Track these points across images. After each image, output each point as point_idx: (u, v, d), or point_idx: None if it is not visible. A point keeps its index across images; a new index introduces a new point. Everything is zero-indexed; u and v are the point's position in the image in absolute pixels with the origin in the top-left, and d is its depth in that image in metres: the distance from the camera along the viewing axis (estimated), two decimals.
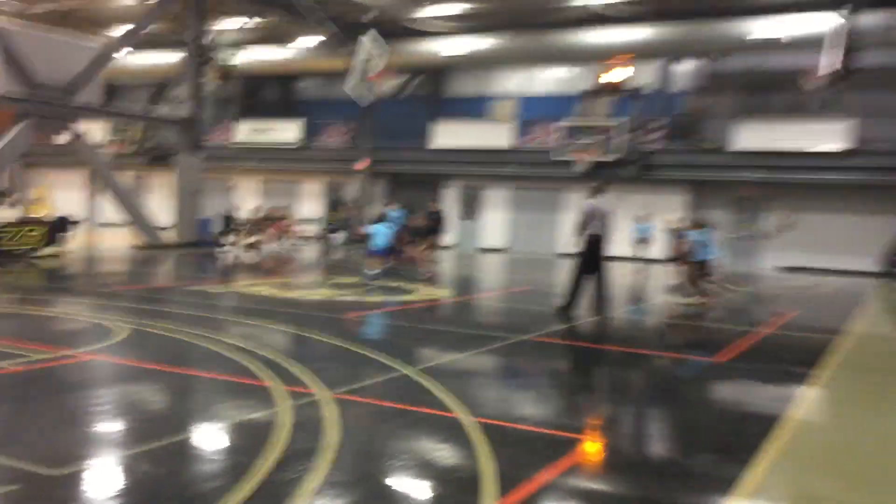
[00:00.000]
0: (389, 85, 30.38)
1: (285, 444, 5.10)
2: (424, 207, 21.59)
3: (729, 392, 7.77)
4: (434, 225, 22.00)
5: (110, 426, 5.59)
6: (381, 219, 18.65)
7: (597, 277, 12.05)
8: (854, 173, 22.92)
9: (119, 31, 27.09)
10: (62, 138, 21.82)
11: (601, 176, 24.68)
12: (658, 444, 5.92)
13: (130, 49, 26.62)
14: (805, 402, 7.18)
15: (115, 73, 32.23)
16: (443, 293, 14.80)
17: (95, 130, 29.42)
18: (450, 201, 28.91)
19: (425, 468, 4.87)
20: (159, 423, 5.78)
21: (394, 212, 21.32)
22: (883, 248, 23.28)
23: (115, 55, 23.26)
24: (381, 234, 16.84)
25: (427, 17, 26.68)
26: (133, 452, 4.98)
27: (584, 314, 11.92)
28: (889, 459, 5.57)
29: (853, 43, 16.58)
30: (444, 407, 6.26)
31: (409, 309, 12.35)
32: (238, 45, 29.57)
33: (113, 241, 26.00)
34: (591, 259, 11.95)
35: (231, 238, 22.90)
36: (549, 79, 30.32)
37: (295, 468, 4.67)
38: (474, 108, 31.35)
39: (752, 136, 24.30)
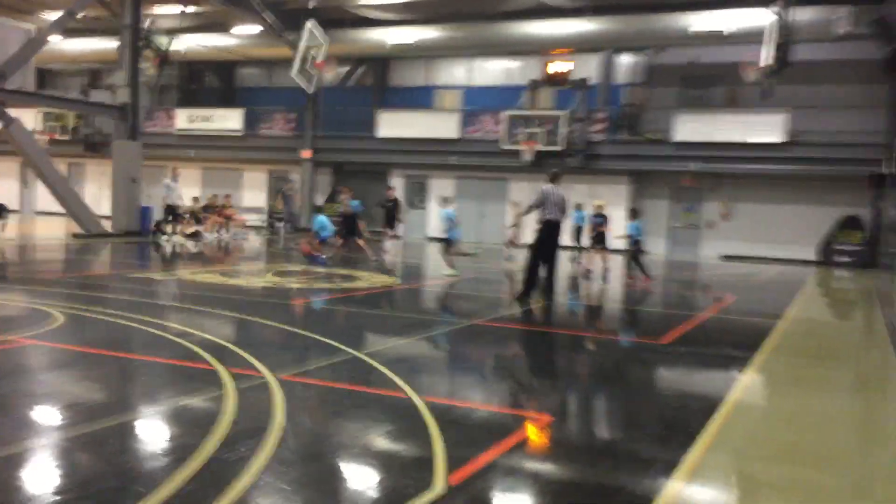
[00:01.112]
0: (334, 74, 30.14)
1: (231, 425, 5.02)
2: (381, 196, 21.63)
3: (670, 374, 7.91)
4: (391, 213, 22.07)
5: (51, 409, 5.41)
6: (320, 210, 19.01)
7: (549, 263, 12.13)
8: (791, 164, 23.55)
9: (52, 15, 26.22)
10: None
11: (546, 166, 24.94)
12: (601, 425, 6.00)
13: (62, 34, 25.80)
14: (741, 383, 7.35)
15: (48, 58, 31.35)
16: (390, 280, 14.75)
17: (28, 117, 28.47)
18: (396, 191, 28.81)
19: (374, 447, 4.84)
20: (102, 405, 5.62)
21: (352, 201, 21.36)
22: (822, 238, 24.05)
23: (48, 39, 22.54)
24: (325, 224, 17.30)
25: (372, 5, 26.47)
26: (75, 434, 4.84)
27: (532, 299, 12.03)
28: (819, 437, 5.73)
29: (788, 37, 17.05)
30: (392, 387, 6.24)
31: (357, 295, 12.28)
32: (176, 31, 28.95)
33: (49, 230, 25.27)
34: (548, 245, 12.01)
35: (172, 227, 22.45)
36: (494, 69, 30.44)
37: (241, 448, 4.60)
38: (420, 97, 31.33)
39: (693, 128, 24.78)
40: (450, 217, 16.63)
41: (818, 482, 4.74)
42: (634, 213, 16.29)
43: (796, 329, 10.93)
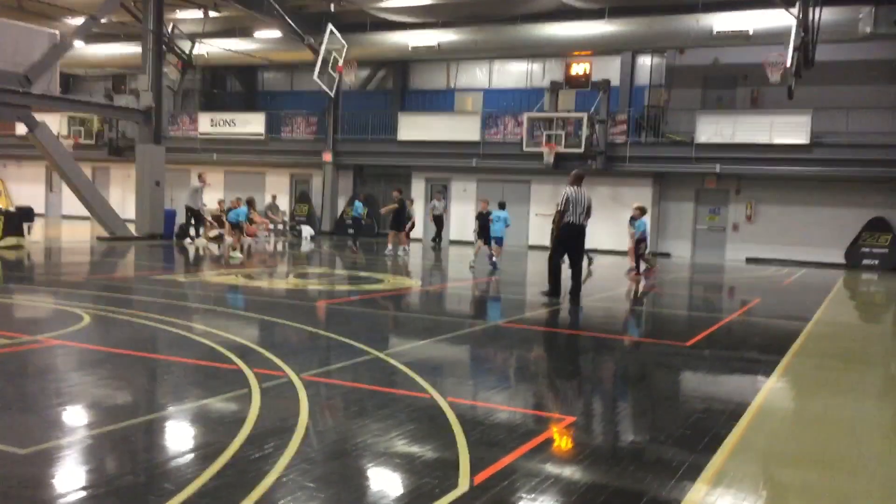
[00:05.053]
0: (355, 77, 30.24)
1: (256, 424, 5.05)
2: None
3: (695, 377, 7.84)
4: (397, 216, 21.97)
5: (78, 408, 5.47)
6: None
7: (574, 267, 12.13)
8: (816, 165, 23.29)
9: (77, 20, 26.54)
10: (20, 129, 21.30)
11: (567, 168, 24.84)
12: (625, 428, 5.94)
13: (87, 37, 26.07)
14: (767, 387, 7.26)
15: (73, 62, 31.72)
16: (412, 282, 14.76)
17: (53, 121, 28.81)
18: (418, 194, 28.88)
19: (397, 446, 4.83)
20: (128, 404, 5.68)
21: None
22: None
23: (73, 44, 22.80)
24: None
25: (392, 8, 26.53)
26: (102, 432, 4.88)
27: (558, 301, 11.99)
28: (847, 442, 5.64)
29: (811, 37, 16.90)
30: (415, 388, 6.24)
31: (379, 297, 12.30)
32: (198, 35, 29.18)
33: (75, 233, 25.57)
34: (572, 248, 11.99)
35: (195, 230, 22.62)
36: (515, 71, 30.40)
37: (266, 447, 4.62)
38: (440, 100, 31.35)
39: (716, 129, 24.57)
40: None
41: (845, 487, 4.67)
42: (642, 211, 17.61)
43: (824, 332, 10.80)
